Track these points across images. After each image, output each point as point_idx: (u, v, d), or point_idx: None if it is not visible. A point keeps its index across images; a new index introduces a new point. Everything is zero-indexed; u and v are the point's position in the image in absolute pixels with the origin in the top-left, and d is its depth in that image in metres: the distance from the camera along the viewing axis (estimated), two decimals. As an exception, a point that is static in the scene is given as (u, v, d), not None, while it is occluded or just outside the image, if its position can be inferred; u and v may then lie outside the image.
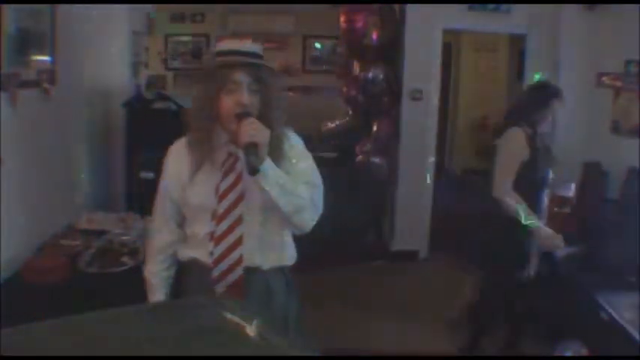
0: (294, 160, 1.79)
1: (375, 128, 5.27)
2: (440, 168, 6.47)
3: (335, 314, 3.92)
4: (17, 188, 2.56)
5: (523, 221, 2.76)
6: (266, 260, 1.81)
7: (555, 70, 4.64)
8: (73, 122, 3.42)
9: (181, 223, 1.87)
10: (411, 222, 5.05)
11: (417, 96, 4.87)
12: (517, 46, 5.74)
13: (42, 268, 2.54)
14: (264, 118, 1.72)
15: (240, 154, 1.70)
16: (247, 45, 1.78)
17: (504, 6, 4.72)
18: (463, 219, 4.72)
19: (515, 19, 4.76)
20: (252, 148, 1.62)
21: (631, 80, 3.89)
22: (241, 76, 1.70)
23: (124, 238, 2.90)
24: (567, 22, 4.53)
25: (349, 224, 5.00)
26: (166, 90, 6.30)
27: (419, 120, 4.92)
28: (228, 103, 1.70)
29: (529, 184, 2.85)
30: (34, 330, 0.91)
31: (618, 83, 4.05)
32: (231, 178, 1.75)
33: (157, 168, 3.54)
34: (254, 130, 1.64)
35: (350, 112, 5.73)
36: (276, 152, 1.73)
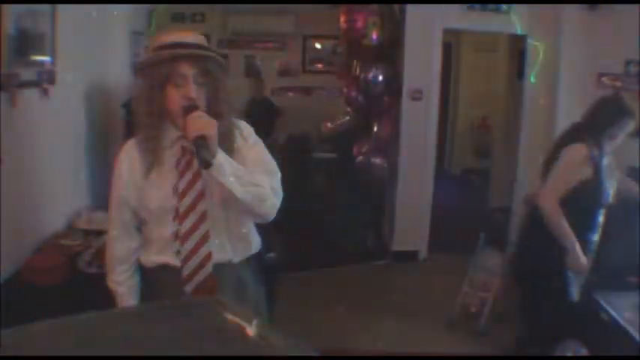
0: (246, 149, 1.75)
1: (375, 128, 5.27)
2: (440, 168, 6.47)
3: (335, 314, 3.92)
4: (17, 188, 2.56)
5: (559, 239, 2.66)
6: (235, 253, 1.80)
7: (555, 70, 4.65)
8: (73, 122, 3.42)
9: (140, 227, 1.81)
10: (411, 222, 5.04)
11: (417, 96, 4.87)
12: (517, 46, 5.73)
13: (42, 268, 2.54)
14: (211, 110, 1.67)
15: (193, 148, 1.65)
16: (190, 37, 1.73)
17: (504, 6, 4.72)
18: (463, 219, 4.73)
19: (515, 19, 4.76)
20: (201, 141, 1.57)
21: (631, 80, 3.89)
22: (186, 69, 1.64)
23: (124, 238, 2.90)
24: (567, 22, 4.53)
25: (349, 224, 5.00)
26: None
27: (419, 120, 4.92)
28: (174, 97, 1.65)
29: (587, 204, 2.71)
30: (34, 330, 0.90)
31: (618, 83, 4.04)
32: (188, 175, 1.70)
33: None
34: (201, 123, 1.59)
35: (350, 112, 5.73)
36: (228, 144, 1.69)
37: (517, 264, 3.27)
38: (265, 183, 1.70)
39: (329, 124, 6.24)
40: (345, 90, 5.53)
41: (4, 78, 2.45)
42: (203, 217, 1.71)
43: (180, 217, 1.71)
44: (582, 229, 2.72)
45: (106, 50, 3.89)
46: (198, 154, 1.58)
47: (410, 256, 5.08)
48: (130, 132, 3.88)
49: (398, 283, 4.66)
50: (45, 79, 2.88)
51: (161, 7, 5.96)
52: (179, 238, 1.72)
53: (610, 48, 4.13)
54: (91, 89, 3.64)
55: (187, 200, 1.70)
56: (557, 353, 2.97)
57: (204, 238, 1.72)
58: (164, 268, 1.76)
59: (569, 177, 2.70)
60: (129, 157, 1.76)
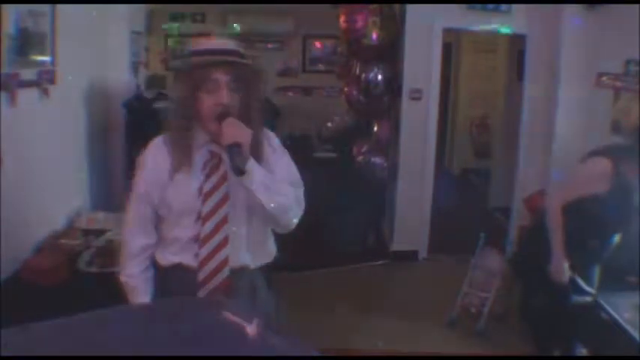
0: (274, 159, 1.78)
1: (375, 128, 5.27)
2: (440, 168, 6.47)
3: (335, 314, 3.92)
4: (17, 188, 2.56)
5: (552, 245, 2.62)
6: (253, 259, 1.81)
7: (555, 70, 4.65)
8: (73, 122, 3.42)
9: (157, 225, 1.81)
10: (411, 222, 5.04)
11: (417, 96, 4.87)
12: (517, 46, 5.73)
13: (42, 268, 2.55)
14: (244, 117, 1.70)
15: (224, 154, 1.68)
16: (226, 43, 1.75)
17: (504, 6, 4.72)
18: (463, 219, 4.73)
19: (515, 19, 4.77)
20: (236, 148, 1.61)
21: (631, 80, 3.89)
22: (220, 75, 1.67)
23: (124, 238, 2.90)
24: (567, 22, 4.53)
25: (349, 224, 5.00)
26: (166, 90, 6.29)
27: (419, 120, 4.92)
28: (207, 103, 1.68)
29: (595, 217, 2.60)
30: (34, 330, 0.90)
31: (618, 83, 4.04)
32: (214, 178, 1.73)
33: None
34: (237, 130, 1.63)
35: (350, 112, 5.73)
36: (257, 152, 1.72)
37: (519, 263, 3.27)
38: (290, 194, 1.74)
39: (329, 124, 6.24)
40: (345, 90, 5.53)
41: (4, 78, 2.45)
42: (224, 221, 1.72)
43: (203, 219, 1.72)
44: (587, 240, 2.67)
45: (106, 50, 3.89)
46: (232, 161, 1.61)
47: (410, 256, 5.07)
48: (130, 132, 3.91)
49: (398, 283, 4.66)
50: (45, 79, 2.88)
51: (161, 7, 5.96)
52: (200, 240, 1.73)
53: (610, 48, 4.13)
54: (91, 89, 3.64)
55: (211, 203, 1.72)
56: (557, 353, 2.97)
57: (223, 243, 1.73)
58: (179, 268, 1.77)
59: (582, 187, 2.64)
60: (156, 155, 1.78)
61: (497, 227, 5.31)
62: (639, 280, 2.97)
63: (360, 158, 5.33)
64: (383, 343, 3.61)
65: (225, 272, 1.74)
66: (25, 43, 2.68)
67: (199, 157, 1.74)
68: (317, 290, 4.35)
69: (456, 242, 4.93)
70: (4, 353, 0.80)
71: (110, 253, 2.75)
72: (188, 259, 1.74)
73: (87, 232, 3.03)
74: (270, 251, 1.90)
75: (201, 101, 1.68)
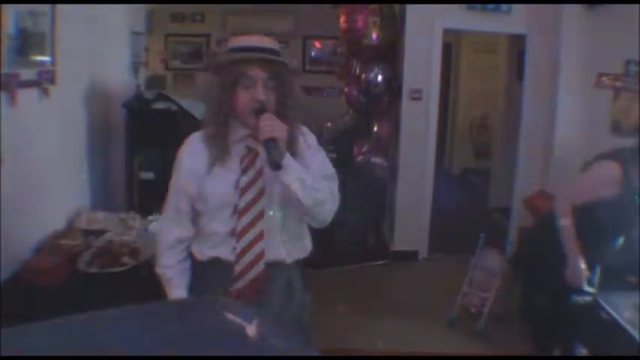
0: (309, 155, 1.81)
1: (375, 128, 5.27)
2: (440, 168, 6.47)
3: (335, 314, 3.92)
4: (17, 188, 2.56)
5: (564, 247, 2.60)
6: (289, 254, 1.83)
7: (555, 70, 4.65)
8: (73, 122, 3.42)
9: (194, 218, 1.84)
10: (411, 222, 5.05)
11: (417, 96, 4.88)
12: (517, 46, 5.73)
13: (42, 268, 2.54)
14: (279, 114, 1.74)
15: (261, 149, 1.71)
16: (263, 41, 1.78)
17: (504, 6, 4.72)
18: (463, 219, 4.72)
19: (515, 19, 4.77)
20: (272, 143, 1.64)
21: (631, 80, 3.89)
22: (257, 72, 1.71)
23: (124, 238, 2.90)
24: (567, 22, 4.53)
25: (349, 224, 5.00)
26: (166, 90, 6.30)
27: (419, 120, 4.92)
28: (244, 99, 1.72)
29: (605, 220, 2.61)
30: (34, 330, 0.90)
31: (618, 83, 4.04)
32: (251, 173, 1.76)
33: (157, 168, 3.54)
34: (273, 126, 1.66)
35: (350, 112, 5.73)
36: (293, 147, 1.75)
37: (519, 263, 3.26)
38: (326, 188, 1.77)
39: (329, 124, 6.24)
40: (345, 90, 5.53)
41: (4, 78, 2.45)
42: (260, 216, 1.75)
43: (239, 213, 1.74)
44: (597, 241, 2.67)
45: (106, 50, 3.88)
46: (269, 155, 1.65)
47: (410, 256, 5.08)
48: (130, 132, 3.91)
49: (398, 283, 4.66)
50: (45, 79, 2.88)
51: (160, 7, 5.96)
52: (236, 234, 1.75)
53: (610, 48, 4.13)
54: (91, 89, 3.64)
55: (247, 197, 1.75)
56: (557, 353, 2.97)
57: (260, 236, 1.76)
58: (216, 262, 1.80)
59: (591, 191, 2.64)
60: (193, 149, 1.80)
61: (497, 227, 5.31)
62: (639, 280, 2.97)
63: (360, 158, 5.33)
64: (383, 343, 3.61)
65: (261, 266, 1.76)
66: (25, 43, 2.68)
67: (236, 151, 1.77)
68: (317, 290, 4.35)
69: (456, 242, 4.93)
70: (4, 353, 0.80)
71: (110, 253, 2.75)
72: (225, 254, 1.77)
73: (87, 232, 3.02)
74: (305, 246, 1.92)
75: (238, 97, 1.72)
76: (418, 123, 4.92)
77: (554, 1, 4.59)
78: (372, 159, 5.24)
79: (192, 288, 1.86)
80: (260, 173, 1.75)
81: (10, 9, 2.49)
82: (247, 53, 1.72)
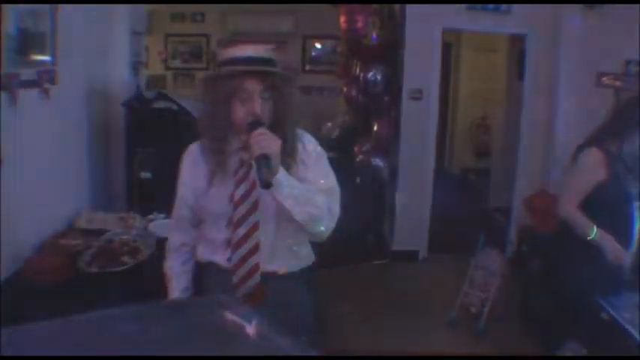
0: (308, 166, 1.76)
1: (375, 128, 5.27)
2: (440, 168, 6.47)
3: (335, 314, 3.92)
4: (17, 188, 2.56)
5: (590, 237, 2.63)
6: (281, 266, 1.80)
7: (555, 70, 4.65)
8: (73, 122, 3.42)
9: (198, 224, 1.88)
10: (411, 222, 5.05)
11: (417, 96, 4.88)
12: (517, 46, 5.73)
13: (42, 267, 2.54)
14: (277, 125, 1.70)
15: (253, 163, 1.66)
16: (257, 50, 1.73)
17: (504, 6, 4.72)
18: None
19: (515, 19, 4.77)
20: (264, 160, 1.58)
21: (631, 80, 3.89)
22: (253, 85, 1.66)
23: (124, 237, 2.90)
24: (567, 22, 4.53)
25: (349, 224, 5.00)
26: (166, 90, 6.30)
27: (419, 120, 4.92)
28: (240, 112, 1.68)
29: (610, 203, 2.68)
30: (34, 330, 0.90)
31: (618, 83, 4.05)
32: (244, 186, 1.74)
33: (157, 167, 3.53)
34: (265, 142, 1.60)
35: (350, 112, 5.73)
36: (290, 159, 1.71)
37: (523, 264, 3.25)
38: (323, 204, 1.71)
39: (329, 124, 6.24)
40: (345, 90, 5.54)
41: (5, 78, 2.45)
42: (255, 228, 1.74)
43: (233, 225, 1.74)
44: (615, 226, 2.69)
45: (107, 50, 3.89)
46: (259, 173, 1.59)
47: (410, 256, 5.08)
48: (130, 132, 3.91)
49: (398, 283, 4.66)
50: (45, 79, 2.88)
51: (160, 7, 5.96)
52: (231, 245, 1.76)
53: (610, 48, 4.13)
54: (91, 89, 3.64)
55: (241, 210, 1.73)
56: (557, 353, 2.97)
57: (254, 249, 1.75)
58: (213, 266, 1.82)
59: (585, 181, 2.69)
60: (193, 161, 1.82)
61: (497, 227, 5.31)
62: (639, 280, 2.97)
63: (360, 158, 5.33)
64: (383, 343, 3.61)
65: (257, 278, 1.76)
66: (25, 43, 2.68)
67: (231, 163, 1.76)
68: (317, 290, 4.34)
69: (456, 242, 4.93)
70: (4, 353, 0.80)
71: (110, 252, 2.75)
72: (221, 260, 1.79)
73: (87, 232, 3.02)
74: (305, 256, 1.90)
75: (234, 111, 1.69)
76: (418, 123, 4.92)
77: (554, 1, 4.59)
78: (372, 159, 5.24)
79: (197, 287, 1.92)
80: (254, 186, 1.72)
81: (10, 9, 2.49)
82: (243, 67, 1.67)
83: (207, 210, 1.79)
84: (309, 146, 1.81)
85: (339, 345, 3.44)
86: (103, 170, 3.89)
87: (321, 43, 7.86)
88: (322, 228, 1.74)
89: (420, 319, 3.93)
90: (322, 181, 1.78)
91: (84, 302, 2.20)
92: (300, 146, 1.77)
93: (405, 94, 4.89)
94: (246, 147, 1.68)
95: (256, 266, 1.76)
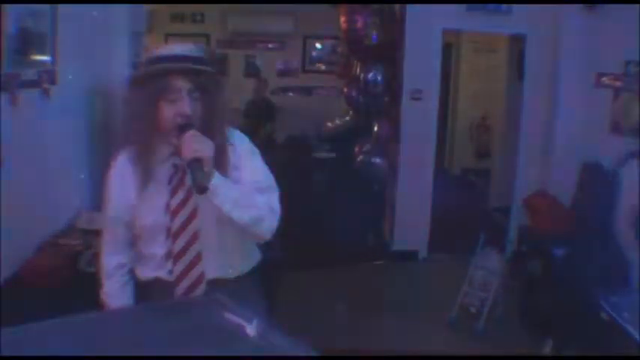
0: (241, 166, 1.67)
1: (375, 128, 5.27)
2: (440, 168, 6.47)
3: (335, 314, 3.92)
4: (17, 188, 2.55)
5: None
6: (231, 269, 1.73)
7: (555, 70, 4.65)
8: (73, 122, 3.42)
9: (134, 242, 1.74)
10: (411, 222, 5.04)
11: (417, 96, 4.87)
12: (517, 46, 5.73)
13: (42, 268, 2.54)
14: (207, 126, 1.60)
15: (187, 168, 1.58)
16: (187, 49, 1.66)
17: (504, 6, 4.72)
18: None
19: (515, 19, 4.76)
20: (197, 164, 1.51)
21: (631, 80, 3.89)
22: (181, 83, 1.57)
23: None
24: (567, 22, 4.53)
25: (349, 224, 5.00)
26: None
27: (419, 120, 4.92)
28: (168, 114, 1.57)
29: None
30: (34, 330, 0.91)
31: (618, 83, 4.04)
32: (181, 193, 1.64)
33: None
34: (197, 144, 1.52)
35: (350, 112, 5.73)
36: (223, 161, 1.62)
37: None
38: (263, 204, 1.64)
39: (329, 124, 6.24)
40: (345, 90, 5.54)
41: (5, 78, 2.45)
42: (195, 237, 1.65)
43: (172, 236, 1.65)
44: None
45: (107, 50, 3.88)
46: (193, 178, 1.52)
47: (410, 256, 5.07)
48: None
49: (398, 283, 4.66)
50: (45, 79, 2.88)
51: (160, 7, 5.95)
52: (171, 257, 1.66)
53: (610, 48, 4.13)
54: (91, 89, 3.64)
55: (179, 219, 1.64)
56: (557, 353, 2.97)
57: (196, 259, 1.66)
58: (158, 282, 1.70)
59: None
60: (121, 172, 1.69)
61: (497, 227, 5.31)
62: (639, 279, 2.97)
63: (360, 158, 5.33)
64: (383, 343, 3.61)
65: (202, 288, 1.66)
66: (25, 43, 2.68)
67: (164, 171, 1.65)
68: (317, 290, 4.35)
69: (456, 242, 4.92)
70: (4, 353, 0.80)
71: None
72: (166, 274, 1.68)
73: (87, 232, 3.02)
74: (251, 257, 1.83)
75: (162, 112, 1.58)
76: (418, 123, 4.92)
77: (554, 1, 4.58)
78: (372, 159, 5.24)
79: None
80: (191, 193, 1.62)
81: (10, 9, 2.49)
82: (170, 64, 1.58)
83: (143, 224, 1.66)
84: (242, 146, 1.72)
85: (339, 345, 3.44)
86: (103, 170, 3.88)
87: (321, 43, 7.86)
88: (265, 228, 1.67)
89: (420, 319, 3.92)
90: (259, 180, 1.69)
91: (84, 302, 2.19)
92: (231, 149, 1.67)
93: (405, 94, 4.88)
94: (177, 151, 1.58)
95: (200, 277, 1.66)
